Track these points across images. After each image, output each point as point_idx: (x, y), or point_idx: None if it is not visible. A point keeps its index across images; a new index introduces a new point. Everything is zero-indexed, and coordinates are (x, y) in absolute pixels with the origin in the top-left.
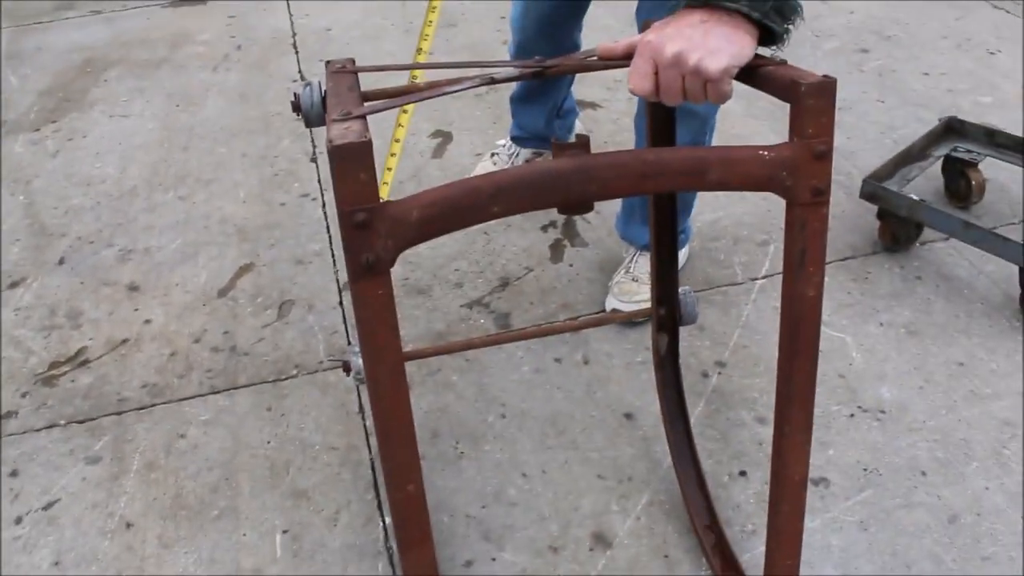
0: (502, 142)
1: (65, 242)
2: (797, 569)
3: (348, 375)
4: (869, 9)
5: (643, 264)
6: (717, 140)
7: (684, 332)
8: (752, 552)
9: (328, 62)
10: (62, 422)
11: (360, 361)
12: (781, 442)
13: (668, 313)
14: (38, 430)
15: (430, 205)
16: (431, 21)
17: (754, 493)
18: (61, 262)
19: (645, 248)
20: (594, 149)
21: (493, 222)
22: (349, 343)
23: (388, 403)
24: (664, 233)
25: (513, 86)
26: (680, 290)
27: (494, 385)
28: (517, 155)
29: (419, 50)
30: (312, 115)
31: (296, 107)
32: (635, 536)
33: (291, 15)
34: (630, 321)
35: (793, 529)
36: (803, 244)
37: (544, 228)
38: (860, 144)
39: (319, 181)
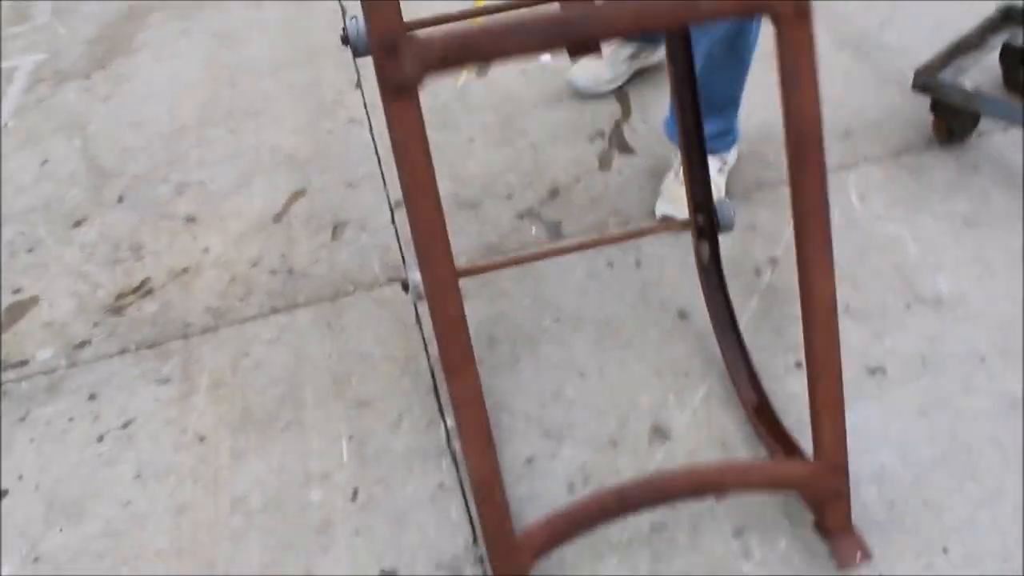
0: None
1: (122, 181)
2: (839, 392)
3: (406, 292)
4: None
5: None
6: (765, 41)
7: (736, 232)
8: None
9: None
10: (132, 348)
11: (418, 276)
12: (804, 266)
13: (706, 221)
14: (111, 356)
15: (452, 38)
16: None
17: None
18: (120, 200)
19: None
20: None
21: (540, 135)
22: (404, 261)
23: (423, 216)
24: (693, 138)
25: None
26: (716, 199)
27: (548, 291)
28: (621, 47)
29: None
30: (360, 44)
31: (345, 39)
32: (693, 428)
33: None
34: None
35: (829, 356)
36: (794, 61)
37: (591, 138)
38: (913, 41)
39: (365, 106)
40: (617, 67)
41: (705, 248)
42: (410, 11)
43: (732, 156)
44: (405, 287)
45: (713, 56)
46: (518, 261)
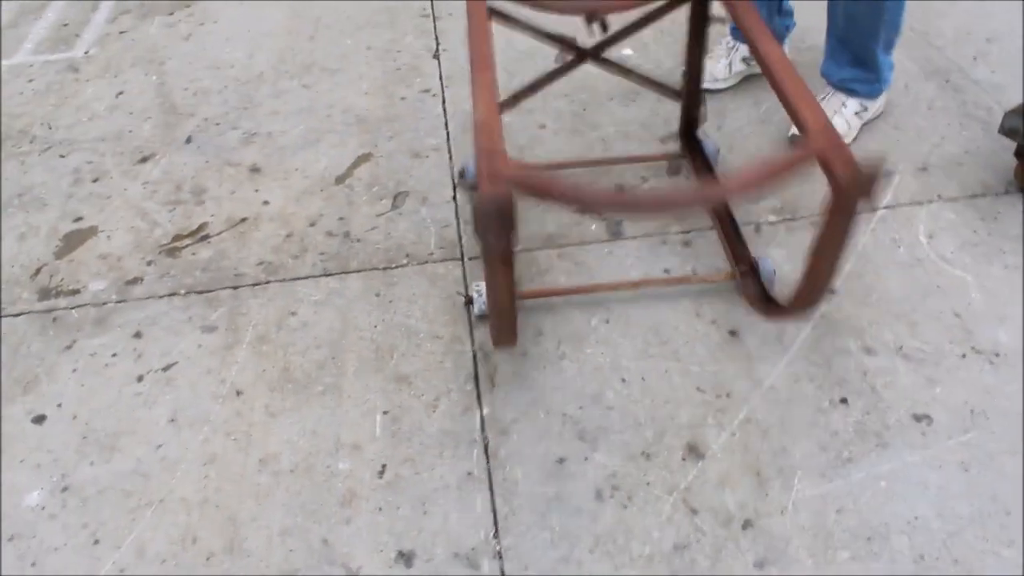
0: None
1: (193, 122)
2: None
3: (471, 307)
4: None
5: (832, 102)
6: None
7: (797, 255)
8: (847, 479)
9: None
10: (182, 291)
11: (484, 301)
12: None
13: (748, 268)
14: (161, 297)
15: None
16: None
17: (854, 422)
18: (188, 141)
19: (834, 85)
20: None
21: (611, 129)
22: (462, 249)
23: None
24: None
25: None
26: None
27: (602, 291)
28: (736, 49)
29: None
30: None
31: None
32: (728, 451)
33: None
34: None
35: (786, 68)
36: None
37: (663, 140)
38: (1005, 78)
39: (440, 78)
40: (735, 66)
41: (751, 286)
42: None
43: (876, 104)
44: (469, 301)
45: (850, 5)
46: (579, 291)
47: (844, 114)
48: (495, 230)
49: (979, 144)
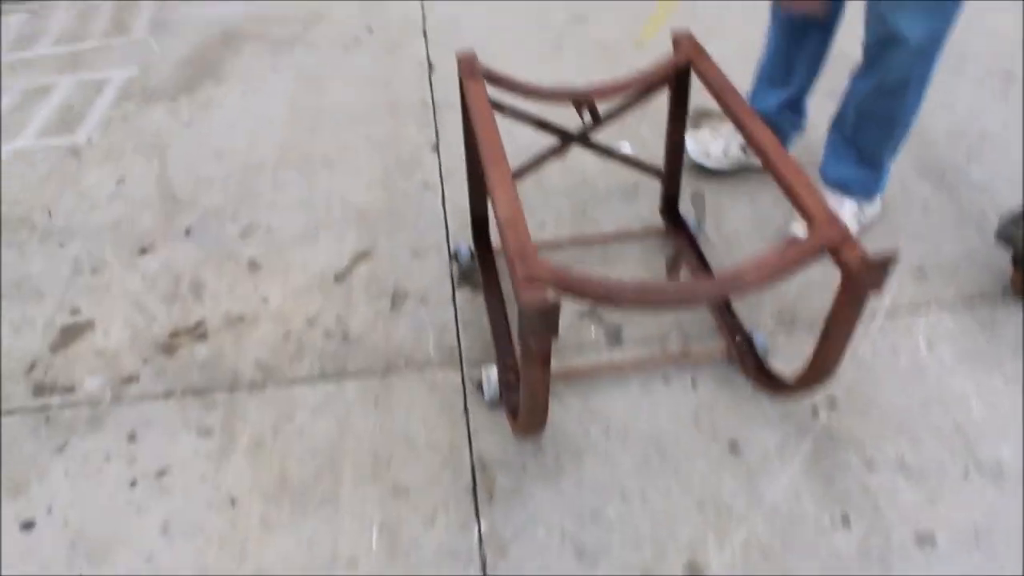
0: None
1: (193, 213)
2: (804, 175)
3: (482, 393)
4: (1018, 32)
5: (830, 202)
6: None
7: (798, 365)
8: None
9: None
10: (179, 392)
11: (494, 388)
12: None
13: (745, 342)
14: (156, 397)
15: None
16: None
17: (857, 543)
18: (188, 233)
19: (830, 184)
20: None
21: (611, 227)
22: (461, 355)
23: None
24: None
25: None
26: (750, 330)
27: (600, 400)
28: (738, 134)
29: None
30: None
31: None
32: (729, 572)
33: (422, 1)
34: (743, 351)
35: (784, 158)
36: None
37: (662, 241)
38: (998, 179)
39: (440, 172)
40: (731, 150)
41: (749, 360)
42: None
43: (873, 208)
44: (480, 387)
45: (865, 103)
46: (573, 374)
47: (842, 217)
48: (539, 334)
49: (975, 247)
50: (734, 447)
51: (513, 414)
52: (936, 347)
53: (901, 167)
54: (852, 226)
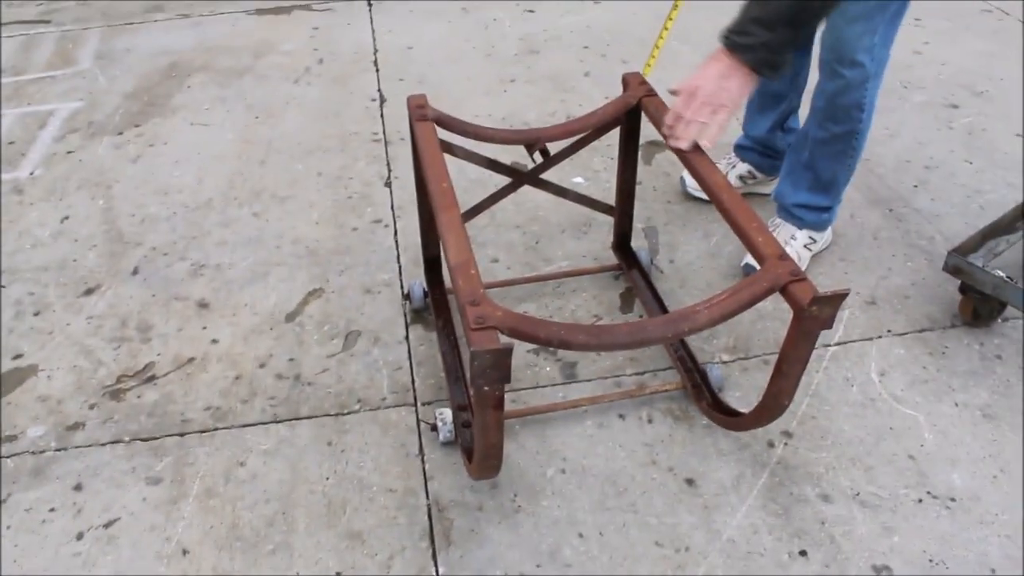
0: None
1: (140, 252)
2: (755, 216)
3: (436, 433)
4: (962, 62)
5: (781, 233)
6: None
7: (752, 397)
8: None
9: None
10: (126, 439)
11: (449, 429)
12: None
13: (701, 379)
14: (103, 444)
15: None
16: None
17: (814, 575)
18: (135, 272)
19: (786, 209)
20: None
21: (564, 264)
22: (415, 394)
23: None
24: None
25: None
26: (705, 366)
27: (556, 438)
28: (734, 167)
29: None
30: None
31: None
32: None
33: (374, 30)
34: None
35: (738, 202)
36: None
37: (616, 276)
38: (945, 207)
39: (392, 207)
40: (730, 180)
41: (704, 394)
42: None
43: (824, 236)
44: (434, 428)
45: (822, 127)
46: (528, 412)
47: (794, 246)
48: (491, 379)
49: (924, 275)
50: (691, 482)
51: (468, 456)
52: (888, 376)
53: (851, 197)
54: (804, 256)
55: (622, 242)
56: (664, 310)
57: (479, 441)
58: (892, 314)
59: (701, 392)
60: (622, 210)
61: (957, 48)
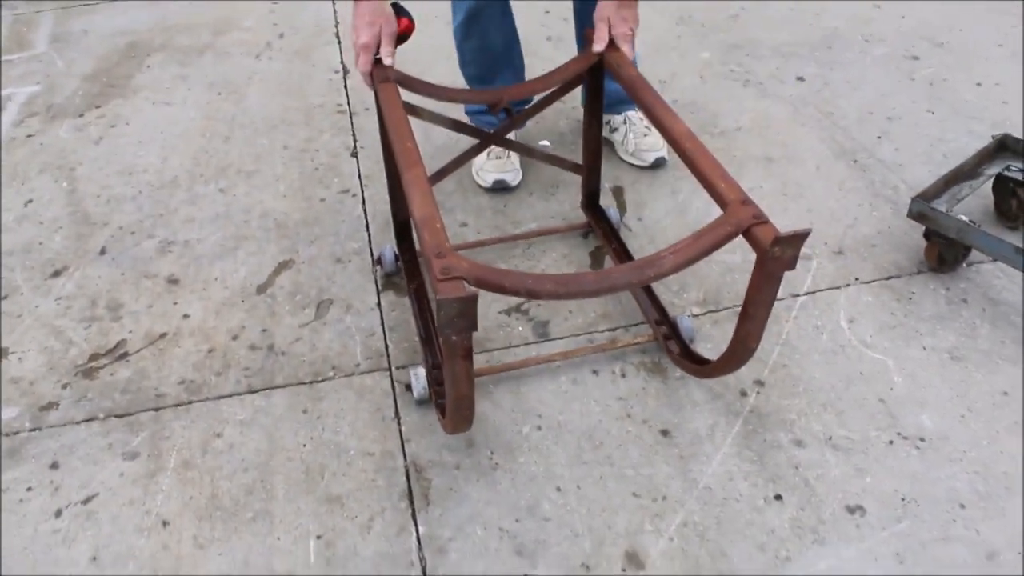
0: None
1: (107, 231)
2: (716, 162)
3: (411, 393)
4: (922, 13)
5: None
6: (765, 145)
7: (723, 348)
8: None
9: None
10: (101, 416)
11: (422, 386)
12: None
13: (670, 329)
14: (78, 423)
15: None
16: None
17: (790, 518)
18: (103, 252)
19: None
20: None
21: (533, 225)
22: (389, 360)
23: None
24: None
25: None
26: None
27: (531, 395)
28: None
29: None
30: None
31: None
32: (668, 557)
33: (334, 2)
34: (668, 337)
35: (699, 149)
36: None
37: (584, 235)
38: (908, 157)
39: (359, 177)
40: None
41: (674, 346)
42: None
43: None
44: (408, 388)
45: None
46: (502, 370)
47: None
48: (458, 327)
49: (890, 224)
50: (666, 433)
51: (443, 412)
52: (857, 323)
53: (817, 149)
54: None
55: (591, 200)
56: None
57: (450, 392)
58: (859, 262)
59: (671, 343)
60: (590, 168)
61: (916, 1)
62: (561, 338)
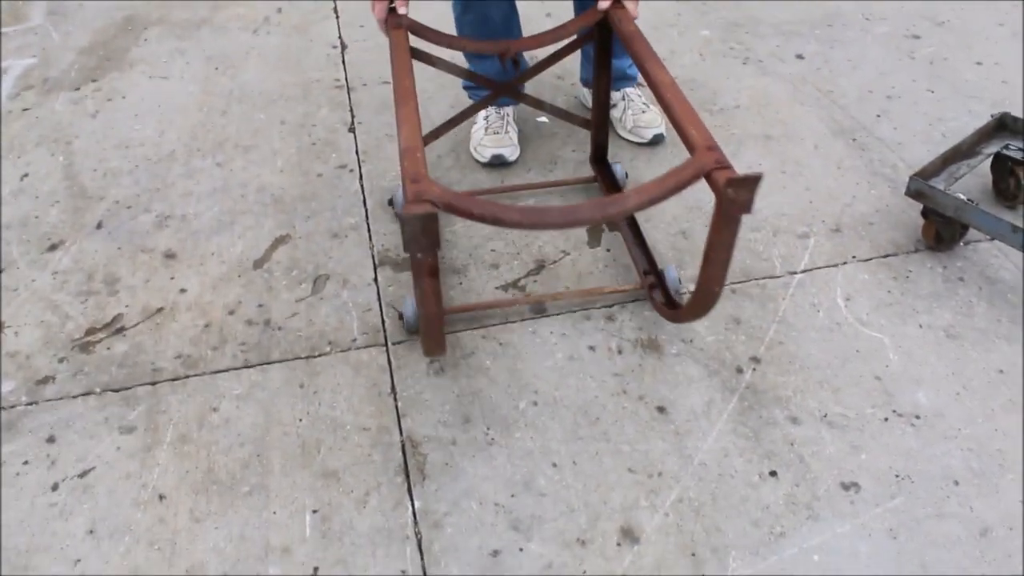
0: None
1: (103, 205)
2: (691, 108)
3: (402, 322)
4: None
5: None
6: (764, 123)
7: (719, 325)
8: (780, 555)
9: None
10: (98, 390)
11: (412, 308)
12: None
13: (657, 279)
14: (74, 397)
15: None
16: None
17: (784, 495)
18: (99, 226)
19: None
20: None
21: (532, 201)
22: (385, 335)
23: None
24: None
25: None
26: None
27: (527, 371)
28: (504, 116)
29: None
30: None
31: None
32: (663, 533)
33: None
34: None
35: (677, 94)
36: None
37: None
38: (907, 136)
39: (357, 152)
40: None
41: (658, 295)
42: None
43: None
44: (402, 318)
45: None
46: (510, 303)
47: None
48: (422, 245)
49: (888, 203)
50: (662, 410)
51: None
52: (853, 301)
53: (815, 127)
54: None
55: (598, 155)
56: (635, 226)
57: (420, 312)
58: (857, 240)
59: (656, 292)
60: (598, 123)
61: None
62: (558, 315)
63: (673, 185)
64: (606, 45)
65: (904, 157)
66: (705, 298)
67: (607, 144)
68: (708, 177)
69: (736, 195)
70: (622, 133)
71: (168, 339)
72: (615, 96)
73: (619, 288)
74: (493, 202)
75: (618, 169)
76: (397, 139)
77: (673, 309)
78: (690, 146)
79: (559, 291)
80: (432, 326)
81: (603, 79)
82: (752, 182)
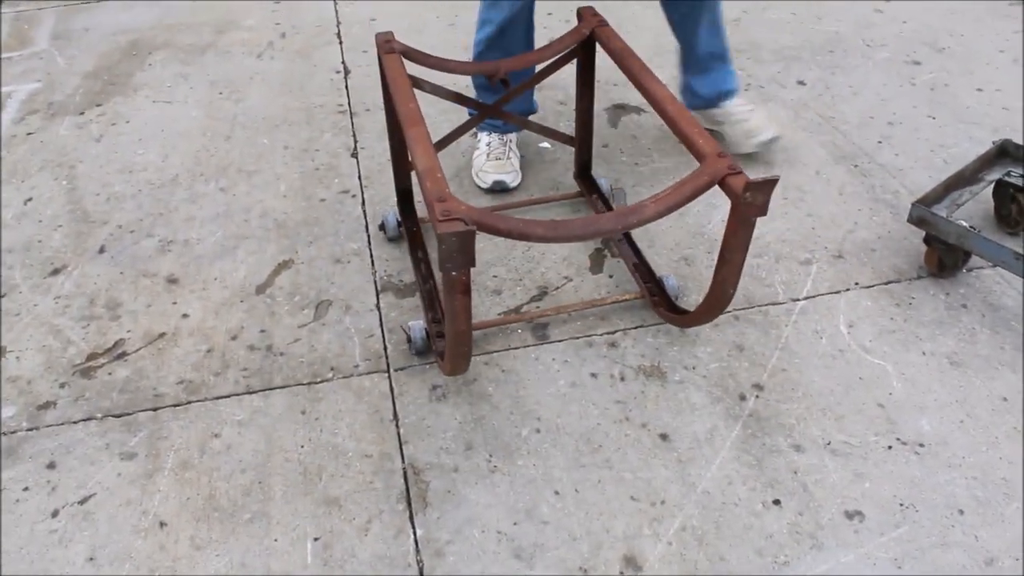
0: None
1: (106, 230)
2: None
3: (410, 345)
4: (924, 18)
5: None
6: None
7: (723, 351)
8: None
9: None
10: (99, 415)
11: (420, 339)
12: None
13: (657, 288)
14: (75, 422)
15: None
16: None
17: (788, 523)
18: (102, 250)
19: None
20: None
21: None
22: (388, 361)
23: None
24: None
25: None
26: (660, 276)
27: (530, 398)
28: (507, 142)
29: None
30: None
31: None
32: (665, 561)
33: (336, 3)
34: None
35: (678, 107)
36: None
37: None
38: (909, 162)
39: (359, 178)
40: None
41: (661, 302)
42: None
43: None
44: (409, 340)
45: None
46: (517, 319)
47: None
48: (457, 262)
49: (890, 229)
50: (664, 437)
51: (442, 356)
52: (856, 327)
53: (817, 153)
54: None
55: (583, 170)
56: (638, 252)
57: (449, 329)
58: (859, 267)
59: (658, 300)
60: (582, 139)
61: (918, 5)
62: (560, 341)
63: (690, 192)
64: (590, 63)
65: (906, 183)
66: (719, 299)
67: (591, 160)
68: (723, 182)
69: (753, 198)
70: (735, 150)
71: (170, 364)
72: (718, 113)
73: (621, 297)
74: (518, 218)
75: (603, 183)
76: (407, 172)
77: (678, 314)
78: (699, 155)
79: (562, 304)
80: (462, 343)
81: (586, 97)
82: (769, 185)
